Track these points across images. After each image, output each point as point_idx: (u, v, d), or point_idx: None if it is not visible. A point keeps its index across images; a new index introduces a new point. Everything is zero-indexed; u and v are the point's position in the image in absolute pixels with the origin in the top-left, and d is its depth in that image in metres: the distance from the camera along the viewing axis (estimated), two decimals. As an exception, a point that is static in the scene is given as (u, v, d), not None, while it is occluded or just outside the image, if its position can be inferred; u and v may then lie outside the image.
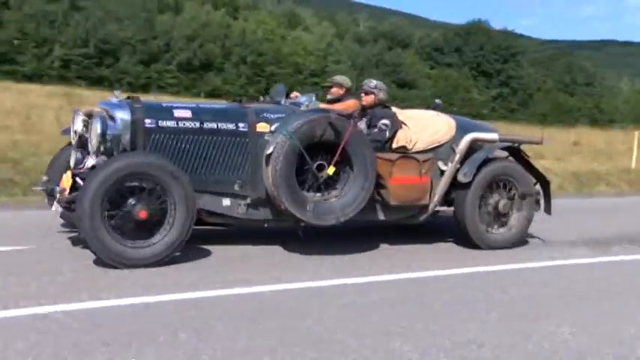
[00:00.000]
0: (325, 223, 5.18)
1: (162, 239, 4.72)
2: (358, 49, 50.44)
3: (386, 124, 5.77)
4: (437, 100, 6.53)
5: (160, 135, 5.01)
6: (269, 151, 4.98)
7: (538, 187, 6.00)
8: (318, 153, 5.12)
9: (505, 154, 6.08)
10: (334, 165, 5.14)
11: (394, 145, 5.72)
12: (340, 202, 5.21)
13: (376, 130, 5.71)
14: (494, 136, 5.98)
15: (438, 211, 5.88)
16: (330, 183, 5.20)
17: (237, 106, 5.38)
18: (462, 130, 5.92)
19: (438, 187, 5.75)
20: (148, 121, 5.01)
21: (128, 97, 5.13)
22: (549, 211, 6.10)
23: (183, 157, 5.05)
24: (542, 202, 5.98)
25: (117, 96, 5.07)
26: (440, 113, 6.09)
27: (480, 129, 6.10)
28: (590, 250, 5.84)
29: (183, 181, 4.77)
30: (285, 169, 5.05)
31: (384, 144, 5.64)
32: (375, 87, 5.93)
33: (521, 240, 5.92)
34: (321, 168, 5.15)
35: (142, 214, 4.65)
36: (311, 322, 3.64)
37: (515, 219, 5.89)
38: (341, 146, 5.10)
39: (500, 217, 5.88)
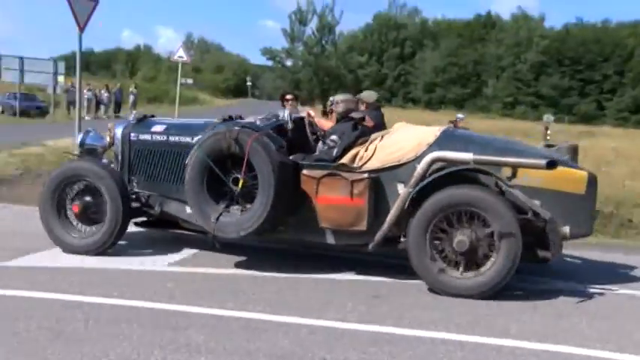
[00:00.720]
0: (226, 236, 5.16)
1: (102, 229, 5.53)
2: None
3: (334, 141, 5.49)
4: (459, 115, 5.31)
5: (139, 146, 5.82)
6: (187, 161, 5.26)
7: (553, 225, 4.85)
8: (239, 167, 5.12)
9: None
10: (243, 179, 5.11)
11: (340, 162, 5.30)
12: (243, 217, 5.15)
13: (325, 147, 5.45)
14: (466, 156, 5.01)
15: (399, 242, 5.02)
16: (248, 197, 5.16)
17: (212, 121, 5.61)
18: (450, 148, 5.07)
19: (390, 213, 5.02)
20: (132, 134, 5.91)
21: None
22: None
23: (154, 166, 5.75)
24: (556, 244, 4.85)
25: (133, 115, 6.11)
26: (447, 128, 5.41)
27: (489, 148, 5.07)
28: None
29: (108, 182, 5.53)
30: (193, 179, 5.22)
31: (333, 161, 5.31)
32: (332, 103, 5.70)
33: (493, 290, 4.79)
34: (237, 181, 5.15)
35: (75, 207, 5.61)
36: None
37: (491, 262, 4.86)
38: (244, 160, 5.09)
39: (473, 258, 4.92)
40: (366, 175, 5.14)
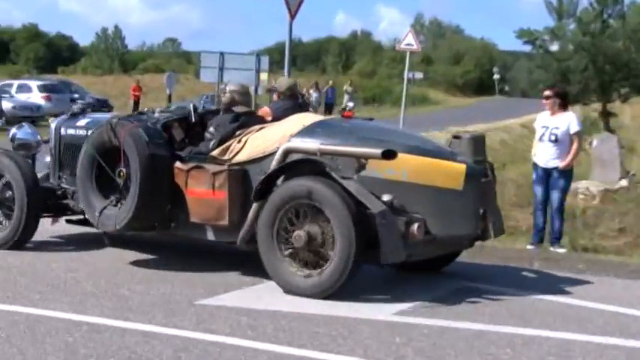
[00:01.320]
0: (107, 230, 6.32)
1: (9, 225, 6.93)
2: None
3: (211, 133, 6.30)
4: (349, 104, 7.13)
5: (66, 141, 7.20)
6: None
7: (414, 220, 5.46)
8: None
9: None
10: (123, 171, 6.21)
11: (212, 154, 6.14)
12: (120, 210, 6.21)
13: (205, 140, 6.27)
14: (313, 145, 5.73)
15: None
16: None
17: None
18: (316, 138, 5.79)
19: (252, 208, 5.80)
20: (62, 129, 7.30)
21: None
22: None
23: (76, 160, 6.68)
24: (389, 242, 5.29)
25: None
26: (313, 116, 6.24)
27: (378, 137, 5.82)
28: None
29: (15, 175, 6.82)
30: (82, 172, 6.51)
31: (208, 154, 6.11)
32: (222, 90, 6.43)
33: (330, 291, 5.48)
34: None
35: None
36: None
37: (330, 261, 5.49)
38: (121, 151, 6.13)
39: (314, 255, 5.59)
40: (225, 167, 5.91)
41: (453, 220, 5.75)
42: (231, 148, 6.14)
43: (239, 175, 5.97)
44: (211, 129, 6.35)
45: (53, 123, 7.41)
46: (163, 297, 5.61)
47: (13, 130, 7.73)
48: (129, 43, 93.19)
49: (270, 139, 6.01)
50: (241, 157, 6.05)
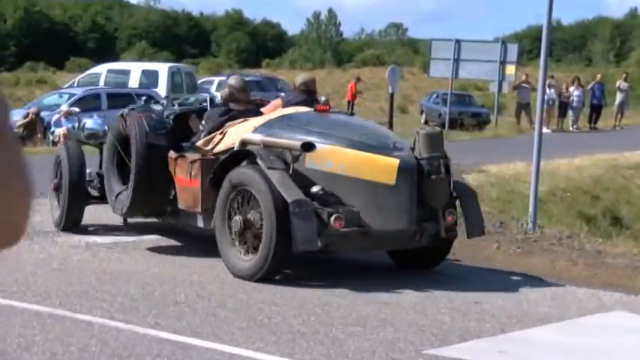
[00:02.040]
0: (117, 214, 8.57)
1: None
2: None
3: (203, 125, 8.18)
4: (322, 98, 8.85)
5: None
6: None
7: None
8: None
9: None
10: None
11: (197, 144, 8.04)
12: (125, 196, 8.25)
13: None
14: (256, 137, 7.46)
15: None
16: None
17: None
18: (279, 130, 7.49)
19: None
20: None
21: None
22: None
23: None
24: (299, 231, 6.86)
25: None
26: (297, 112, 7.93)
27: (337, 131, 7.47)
28: None
29: (62, 155, 9.16)
30: (105, 158, 8.87)
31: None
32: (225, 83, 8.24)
33: (260, 272, 7.13)
34: None
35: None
36: None
37: (261, 245, 7.13)
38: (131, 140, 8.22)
39: (251, 240, 7.24)
40: (199, 156, 7.78)
41: (385, 214, 7.15)
42: (214, 139, 7.93)
43: (211, 164, 7.63)
44: (203, 122, 8.19)
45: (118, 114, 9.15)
46: (384, 343, 5.69)
47: (83, 121, 10.18)
48: (344, 31, 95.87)
49: (242, 132, 7.66)
50: (219, 148, 7.79)
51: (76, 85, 28.12)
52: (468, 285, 7.60)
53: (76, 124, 23.89)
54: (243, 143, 7.57)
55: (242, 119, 8.02)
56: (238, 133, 7.72)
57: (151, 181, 8.12)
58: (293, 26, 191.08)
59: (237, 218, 7.29)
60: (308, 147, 7.07)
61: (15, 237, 0.97)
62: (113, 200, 8.61)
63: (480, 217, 7.82)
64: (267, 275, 7.19)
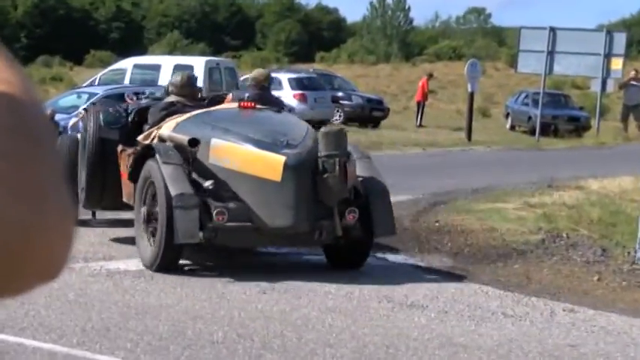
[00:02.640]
0: (82, 207, 10.05)
1: None
2: None
3: (147, 120, 9.92)
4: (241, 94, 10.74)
5: None
6: None
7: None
8: None
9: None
10: None
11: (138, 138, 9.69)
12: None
13: None
14: (165, 133, 9.28)
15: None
16: None
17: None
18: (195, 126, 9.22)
19: None
20: None
21: None
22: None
23: None
24: (180, 225, 8.54)
25: None
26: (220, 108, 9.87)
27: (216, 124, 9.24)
28: None
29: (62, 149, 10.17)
30: (80, 152, 10.34)
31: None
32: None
33: (156, 262, 8.79)
34: None
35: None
36: None
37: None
38: None
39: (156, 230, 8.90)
40: (131, 150, 9.52)
41: (273, 210, 8.65)
42: (152, 134, 9.48)
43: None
44: (148, 116, 9.86)
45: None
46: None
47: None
48: (415, 17, 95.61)
49: (167, 127, 9.32)
50: (155, 142, 9.42)
51: (97, 83, 28.50)
52: (561, 325, 7.58)
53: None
54: (159, 138, 9.38)
55: (178, 115, 9.63)
56: (166, 128, 9.42)
57: (104, 175, 9.89)
58: (353, 12, 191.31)
59: (143, 209, 9.09)
60: (192, 143, 8.83)
61: (54, 271, 0.92)
62: (80, 193, 10.06)
63: (390, 216, 9.10)
64: (162, 265, 8.81)
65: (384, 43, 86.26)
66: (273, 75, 36.30)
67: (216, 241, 8.76)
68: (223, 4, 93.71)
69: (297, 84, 33.52)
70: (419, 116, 35.74)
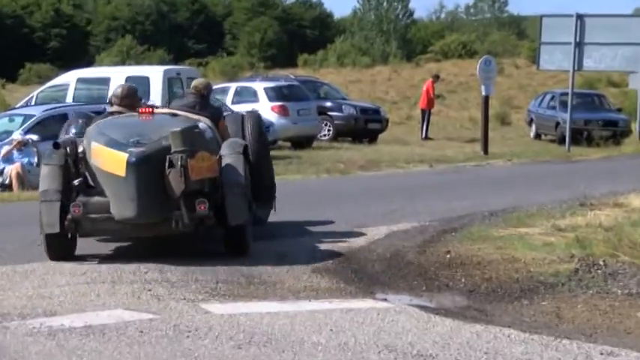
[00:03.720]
0: None
1: None
2: None
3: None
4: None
5: None
6: None
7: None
8: None
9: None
10: None
11: None
12: None
13: None
14: (63, 136, 13.49)
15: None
16: None
17: None
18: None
19: None
20: None
21: None
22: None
23: None
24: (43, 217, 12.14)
25: None
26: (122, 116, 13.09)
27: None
28: None
29: None
30: None
31: None
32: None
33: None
34: None
35: None
36: None
37: None
38: None
39: None
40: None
41: (122, 203, 11.80)
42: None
43: None
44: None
45: None
46: None
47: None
48: (416, 8, 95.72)
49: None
50: None
51: (33, 102, 28.52)
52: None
53: (35, 159, 24.50)
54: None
55: None
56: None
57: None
58: (341, 6, 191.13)
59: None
60: (55, 146, 12.40)
61: None
62: None
63: (239, 205, 12.12)
64: (52, 255, 12.24)
65: (379, 41, 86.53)
66: (247, 84, 36.49)
67: (80, 232, 12.19)
68: (183, 2, 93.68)
69: (276, 94, 33.60)
70: (424, 127, 35.86)
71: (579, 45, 27.67)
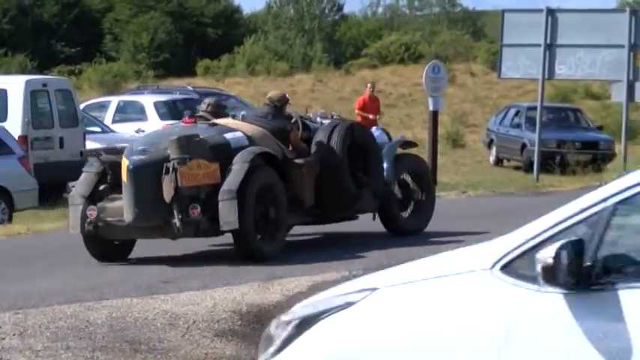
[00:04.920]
0: None
1: None
2: None
3: None
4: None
5: None
6: None
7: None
8: None
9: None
10: None
11: None
12: None
13: None
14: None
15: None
16: None
17: None
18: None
19: None
20: None
21: None
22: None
23: None
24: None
25: None
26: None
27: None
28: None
29: None
30: None
31: None
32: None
33: None
34: None
35: None
36: None
37: None
38: None
39: None
40: None
41: (125, 208, 15.38)
42: None
43: None
44: None
45: None
46: None
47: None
48: (346, 1, 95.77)
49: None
50: None
51: None
52: None
53: None
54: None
55: None
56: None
57: None
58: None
59: None
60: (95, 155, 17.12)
61: None
62: None
63: (229, 212, 15.36)
64: (90, 254, 16.33)
65: (300, 43, 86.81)
66: (132, 98, 36.46)
67: (100, 233, 15.94)
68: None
69: (169, 110, 33.81)
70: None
71: (550, 47, 27.91)
